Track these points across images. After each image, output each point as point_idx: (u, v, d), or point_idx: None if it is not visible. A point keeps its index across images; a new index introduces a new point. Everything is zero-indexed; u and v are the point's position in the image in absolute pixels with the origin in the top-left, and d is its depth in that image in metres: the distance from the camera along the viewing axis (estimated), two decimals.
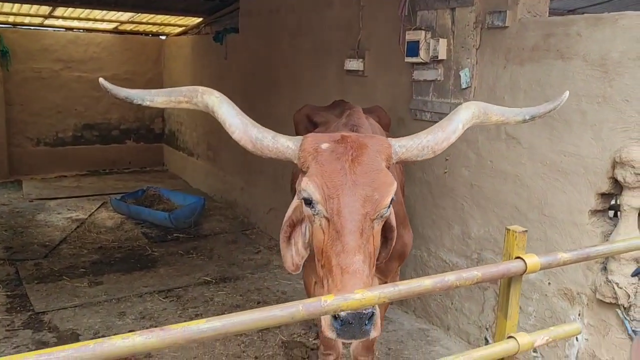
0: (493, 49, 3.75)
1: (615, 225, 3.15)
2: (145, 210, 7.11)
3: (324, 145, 1.97)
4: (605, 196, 3.21)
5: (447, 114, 4.06)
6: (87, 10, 8.34)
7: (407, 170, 4.53)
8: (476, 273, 1.79)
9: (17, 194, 8.52)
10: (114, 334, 4.20)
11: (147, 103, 2.24)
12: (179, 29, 9.69)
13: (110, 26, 9.68)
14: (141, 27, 9.88)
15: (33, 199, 8.17)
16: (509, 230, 1.95)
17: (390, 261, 2.80)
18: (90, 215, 7.38)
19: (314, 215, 1.93)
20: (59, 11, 8.26)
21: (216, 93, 2.13)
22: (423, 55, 4.12)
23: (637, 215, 3.03)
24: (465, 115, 2.17)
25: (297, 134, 4.01)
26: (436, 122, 4.21)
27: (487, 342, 3.96)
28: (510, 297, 1.96)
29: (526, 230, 1.95)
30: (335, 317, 1.76)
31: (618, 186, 3.09)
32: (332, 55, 5.43)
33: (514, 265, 1.87)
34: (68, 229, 6.80)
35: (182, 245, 6.39)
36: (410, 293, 1.68)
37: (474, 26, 3.83)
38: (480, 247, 3.96)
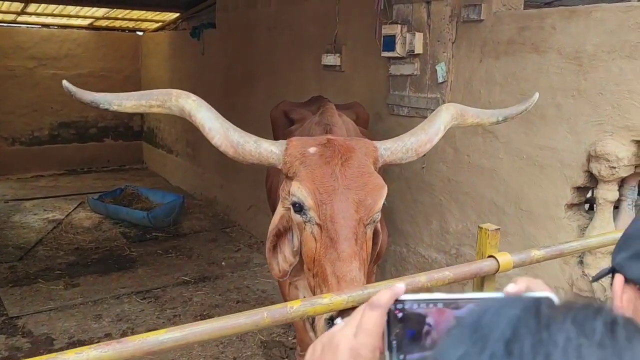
0: (469, 42, 3.72)
1: (591, 219, 3.15)
2: (123, 209, 7.00)
3: (312, 149, 1.90)
4: (581, 190, 3.20)
5: (424, 109, 4.07)
6: (61, 7, 8.18)
7: (384, 167, 4.50)
8: (448, 273, 1.75)
9: None
10: (89, 338, 4.17)
11: (115, 108, 2.12)
12: (156, 25, 9.55)
13: (86, 22, 9.52)
14: (117, 23, 9.72)
15: (8, 200, 8.02)
16: (482, 228, 1.92)
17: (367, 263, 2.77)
18: (67, 216, 7.26)
19: (304, 222, 1.85)
20: (32, 7, 8.10)
21: (192, 96, 2.04)
22: (399, 50, 4.08)
23: (612, 208, 3.03)
24: (446, 117, 2.19)
25: (274, 131, 3.95)
26: (413, 117, 4.21)
27: None
28: None
29: (499, 228, 1.92)
30: (329, 323, 1.70)
31: (593, 179, 3.08)
32: (310, 50, 5.37)
33: (486, 264, 1.84)
34: (44, 230, 6.68)
35: (161, 244, 6.31)
36: None
37: (449, 20, 3.80)
38: (459, 242, 3.94)
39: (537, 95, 2.52)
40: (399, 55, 4.11)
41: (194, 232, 6.76)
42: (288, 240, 2.04)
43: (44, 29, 9.53)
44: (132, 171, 10.24)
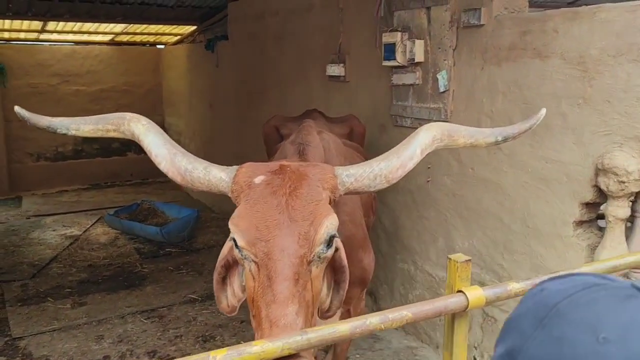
0: (470, 49, 3.50)
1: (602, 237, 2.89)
2: (137, 225, 6.97)
3: (258, 179, 1.73)
4: (590, 205, 2.95)
5: (427, 119, 3.86)
6: (80, 24, 8.26)
7: None
8: (405, 313, 1.56)
9: (16, 210, 8.47)
10: None
11: (73, 132, 2.10)
12: (175, 38, 9.57)
13: (106, 38, 9.61)
14: (137, 38, 9.79)
15: (30, 216, 8.10)
16: (450, 259, 1.72)
17: (351, 288, 2.58)
18: (85, 232, 7.27)
19: (242, 259, 1.69)
20: (51, 25, 8.20)
21: (143, 120, 1.97)
22: (400, 58, 3.89)
23: (623, 226, 2.77)
24: (424, 139, 1.91)
25: (267, 147, 3.81)
26: (416, 128, 4.00)
27: None
28: (455, 335, 1.73)
29: (469, 260, 1.72)
30: None
31: (603, 195, 2.82)
32: (315, 61, 5.22)
33: (453, 301, 1.64)
34: (60, 246, 6.69)
35: (173, 260, 6.23)
36: (322, 341, 1.46)
37: (449, 25, 3.59)
38: None
39: (544, 111, 2.22)
40: (399, 64, 3.92)
41: (208, 247, 6.66)
42: (238, 274, 1.87)
43: (66, 45, 9.66)
44: (155, 184, 10.25)
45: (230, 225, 1.67)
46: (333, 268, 1.82)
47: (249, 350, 1.37)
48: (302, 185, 1.70)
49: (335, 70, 4.77)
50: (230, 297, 1.87)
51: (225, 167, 1.86)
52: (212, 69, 7.81)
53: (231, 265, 1.86)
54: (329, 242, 1.67)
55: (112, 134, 2.08)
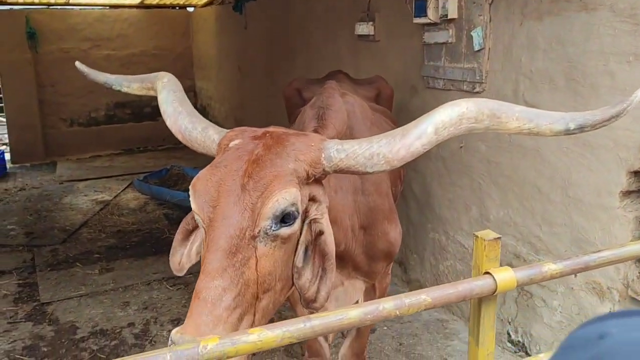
0: (508, 2, 3.20)
1: None
2: (165, 190, 6.93)
3: (233, 143, 1.59)
4: (639, 174, 2.68)
5: (460, 81, 3.60)
6: None
7: None
8: (424, 297, 1.39)
9: (50, 175, 8.56)
10: (112, 327, 4.07)
11: (125, 89, 2.24)
12: (205, 0, 9.36)
13: (136, 1, 9.47)
14: (167, 0, 9.62)
15: (63, 181, 8.17)
16: (477, 237, 1.53)
17: (375, 262, 2.41)
18: (115, 197, 7.28)
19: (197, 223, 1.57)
20: None
21: (165, 78, 1.98)
22: (431, 15, 3.61)
23: None
24: (442, 116, 1.52)
25: (288, 111, 3.62)
26: (449, 90, 3.74)
27: (509, 337, 3.53)
28: (482, 320, 1.54)
29: (499, 238, 1.52)
30: None
31: None
32: (344, 20, 4.96)
33: (479, 284, 1.45)
34: (91, 211, 6.72)
35: None
36: (328, 329, 1.31)
37: None
38: (500, 231, 3.48)
39: (639, 92, 1.56)
40: (431, 21, 3.65)
41: None
42: (201, 237, 1.72)
43: (96, 9, 9.57)
44: (186, 149, 9.89)
45: (190, 186, 1.54)
46: (319, 252, 1.59)
47: (245, 339, 1.22)
48: (271, 152, 1.51)
49: (364, 29, 4.52)
50: (184, 255, 1.73)
51: (222, 129, 1.74)
52: (240, 31, 7.61)
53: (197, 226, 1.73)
54: (283, 219, 1.45)
55: (151, 92, 2.14)
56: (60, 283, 4.85)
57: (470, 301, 1.57)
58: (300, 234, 1.55)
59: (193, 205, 1.50)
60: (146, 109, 10.17)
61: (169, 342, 1.30)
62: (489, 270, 1.47)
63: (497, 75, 3.33)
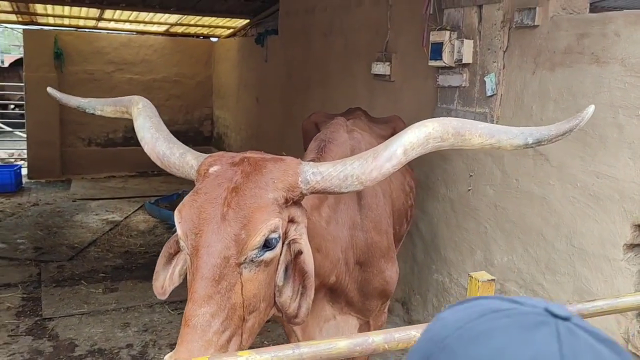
0: (522, 51, 3.27)
1: None
2: None
3: (212, 169, 1.63)
4: None
5: None
6: (135, 13, 8.38)
7: (430, 186, 4.11)
8: (414, 333, 1.39)
9: (64, 193, 8.67)
10: (111, 347, 4.07)
11: (99, 112, 2.30)
12: (228, 31, 9.60)
13: (162, 29, 9.73)
14: (191, 30, 9.88)
15: (76, 199, 8.27)
16: (472, 278, 1.54)
17: (369, 299, 2.41)
18: (125, 218, 7.35)
19: (182, 250, 1.62)
20: (108, 14, 8.36)
21: (140, 103, 2.02)
22: (447, 59, 3.68)
23: None
24: (410, 138, 1.61)
25: (305, 142, 3.68)
26: None
27: None
28: None
29: (493, 280, 1.53)
30: None
31: None
32: (361, 58, 5.06)
33: None
34: (100, 231, 6.78)
35: None
36: (316, 357, 1.32)
37: (501, 25, 3.37)
38: (503, 277, 3.48)
39: (591, 108, 1.78)
40: (446, 65, 3.72)
41: None
42: (185, 262, 1.75)
43: (123, 34, 9.83)
44: None
45: (175, 213, 1.59)
46: (298, 271, 1.65)
47: None
48: (250, 180, 1.56)
49: (380, 68, 4.60)
50: (167, 278, 1.77)
51: (200, 154, 1.80)
52: (261, 63, 7.76)
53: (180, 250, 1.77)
54: (266, 244, 1.52)
55: (126, 116, 2.17)
56: (64, 299, 4.88)
57: None
58: (281, 254, 1.60)
59: (179, 231, 1.55)
60: None
61: None
62: None
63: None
